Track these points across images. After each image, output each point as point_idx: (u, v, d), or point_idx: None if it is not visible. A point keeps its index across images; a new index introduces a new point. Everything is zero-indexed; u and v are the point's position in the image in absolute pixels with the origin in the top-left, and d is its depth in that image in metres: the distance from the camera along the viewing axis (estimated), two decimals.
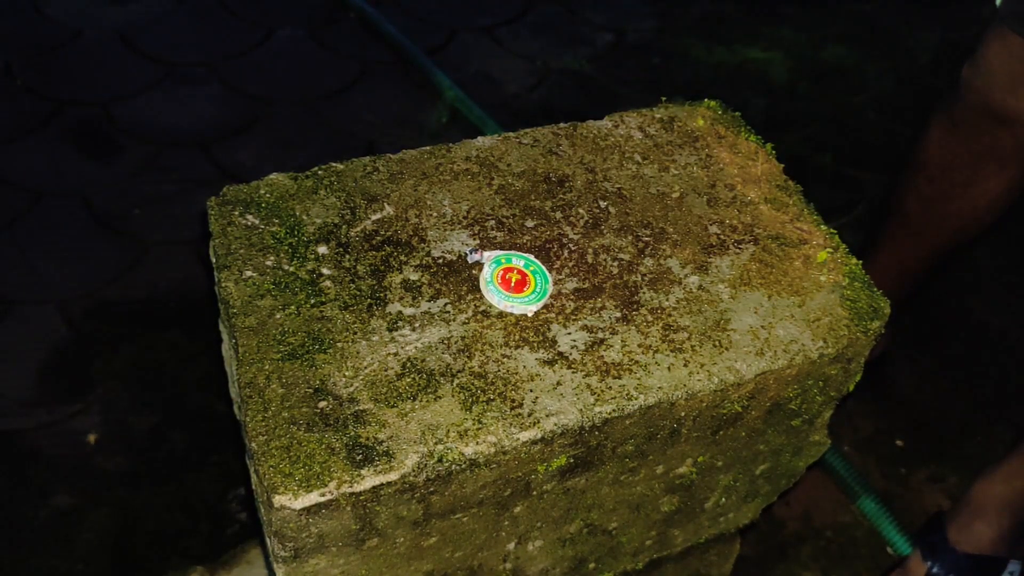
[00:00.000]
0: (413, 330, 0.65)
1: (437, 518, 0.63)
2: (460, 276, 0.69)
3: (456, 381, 0.62)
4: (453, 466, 0.59)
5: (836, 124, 1.99)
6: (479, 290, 0.68)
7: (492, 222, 0.73)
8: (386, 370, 0.62)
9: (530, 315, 0.67)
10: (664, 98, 0.88)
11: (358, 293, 0.66)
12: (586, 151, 0.80)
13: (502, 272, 0.68)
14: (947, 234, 1.20)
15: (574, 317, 0.67)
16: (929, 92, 2.09)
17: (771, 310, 0.70)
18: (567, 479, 0.67)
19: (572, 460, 0.65)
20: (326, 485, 0.56)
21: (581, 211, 0.75)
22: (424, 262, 0.69)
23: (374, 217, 0.72)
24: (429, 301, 0.67)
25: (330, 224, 0.71)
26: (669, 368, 0.65)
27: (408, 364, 0.63)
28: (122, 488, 1.27)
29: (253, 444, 0.58)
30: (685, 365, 0.65)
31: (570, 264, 0.71)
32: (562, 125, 0.82)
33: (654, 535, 0.83)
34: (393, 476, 0.57)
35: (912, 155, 1.19)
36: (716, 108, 0.87)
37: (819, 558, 1.27)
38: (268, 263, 0.67)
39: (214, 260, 0.68)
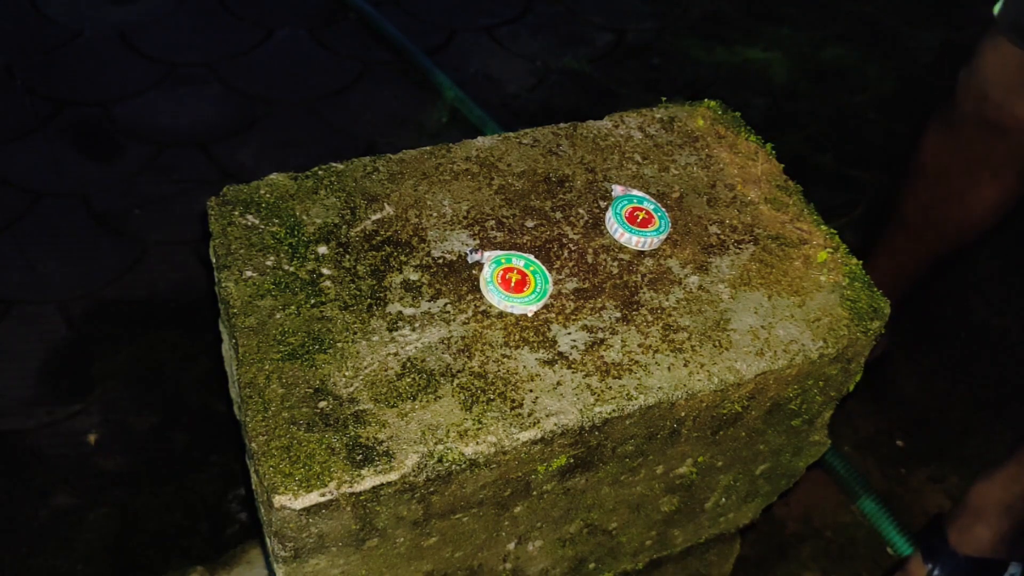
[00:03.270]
0: (413, 330, 0.65)
1: (437, 518, 0.63)
2: (460, 276, 0.69)
3: (456, 381, 0.62)
4: (453, 466, 0.59)
5: (836, 124, 1.99)
6: (479, 290, 0.68)
7: (492, 222, 0.73)
8: (386, 370, 0.62)
9: (530, 315, 0.67)
10: (664, 98, 0.88)
11: (358, 293, 0.66)
12: (586, 151, 0.80)
13: (502, 272, 0.68)
14: (944, 239, 1.20)
15: (574, 317, 0.67)
16: (929, 92, 2.09)
17: (771, 310, 0.70)
18: (567, 479, 0.67)
19: (572, 460, 0.65)
20: (326, 485, 0.56)
21: (581, 211, 0.75)
22: (424, 262, 0.69)
23: (374, 217, 0.72)
24: (429, 301, 0.67)
25: (330, 224, 0.71)
26: (669, 368, 0.65)
27: (408, 364, 0.63)
28: (122, 488, 1.27)
29: (253, 444, 0.58)
30: (685, 365, 0.65)
31: (570, 264, 0.71)
32: (562, 125, 0.82)
33: (654, 535, 0.83)
34: (393, 476, 0.57)
35: (910, 159, 1.20)
36: (716, 108, 0.87)
37: (819, 558, 1.27)
38: (268, 263, 0.67)
39: (214, 260, 0.68)
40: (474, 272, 0.69)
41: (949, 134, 1.13)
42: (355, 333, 0.64)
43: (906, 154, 1.21)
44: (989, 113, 1.05)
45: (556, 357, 0.65)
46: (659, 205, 0.75)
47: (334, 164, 0.76)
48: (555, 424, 0.61)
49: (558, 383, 0.63)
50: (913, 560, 1.20)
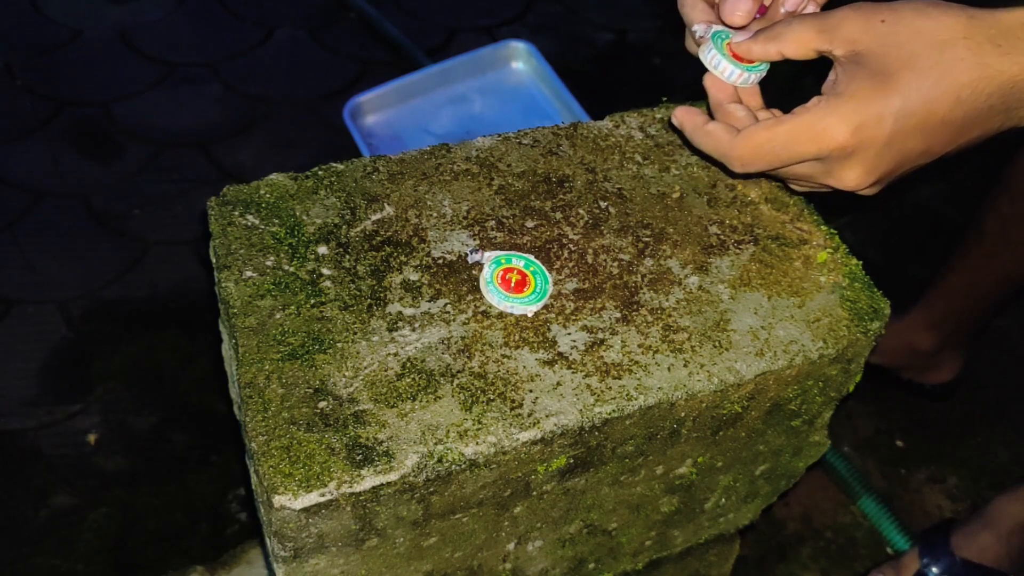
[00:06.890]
0: (413, 330, 0.65)
1: (437, 518, 0.63)
2: (460, 276, 0.69)
3: (456, 381, 0.62)
4: (453, 466, 0.59)
5: None
6: (479, 290, 0.68)
7: (492, 222, 0.73)
8: (386, 370, 0.62)
9: (530, 315, 0.67)
10: (664, 98, 0.88)
11: (358, 293, 0.66)
12: (586, 151, 0.80)
13: (502, 272, 0.68)
14: (1019, 259, 1.16)
15: (574, 317, 0.67)
16: None
17: (771, 310, 0.70)
18: (567, 479, 0.67)
19: (572, 460, 0.65)
20: (326, 485, 0.56)
21: (581, 211, 0.75)
22: (424, 262, 0.69)
23: (374, 217, 0.72)
24: (429, 301, 0.67)
25: (330, 224, 0.71)
26: (669, 368, 0.65)
27: (408, 364, 0.63)
28: (122, 488, 1.27)
29: (253, 444, 0.58)
30: (685, 365, 0.65)
31: (570, 264, 0.71)
32: (562, 125, 0.82)
33: (654, 535, 0.83)
34: (393, 476, 0.57)
35: (999, 174, 1.15)
36: None
37: (819, 558, 1.27)
38: (268, 263, 0.67)
39: (214, 260, 0.68)
40: (474, 272, 0.69)
41: None
42: (355, 333, 0.64)
43: (992, 165, 1.16)
44: None
45: (556, 357, 0.65)
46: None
47: (334, 164, 0.76)
48: (555, 424, 0.61)
49: (558, 383, 0.63)
50: (909, 553, 1.19)
